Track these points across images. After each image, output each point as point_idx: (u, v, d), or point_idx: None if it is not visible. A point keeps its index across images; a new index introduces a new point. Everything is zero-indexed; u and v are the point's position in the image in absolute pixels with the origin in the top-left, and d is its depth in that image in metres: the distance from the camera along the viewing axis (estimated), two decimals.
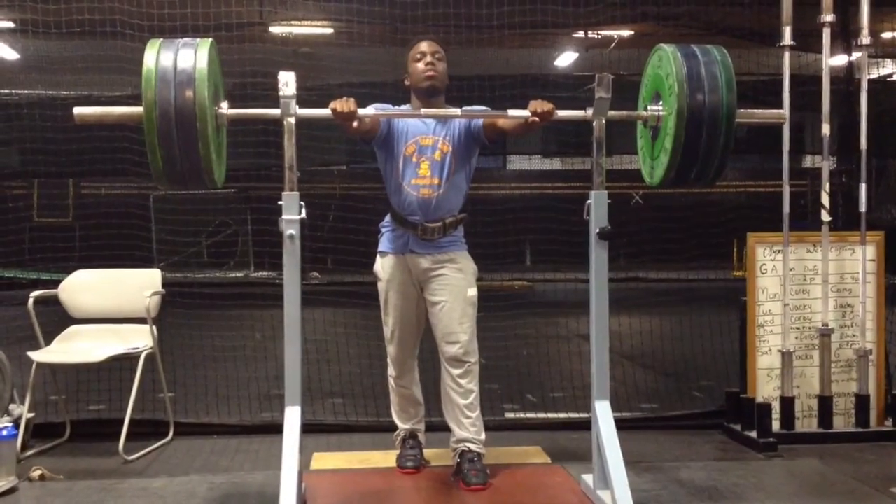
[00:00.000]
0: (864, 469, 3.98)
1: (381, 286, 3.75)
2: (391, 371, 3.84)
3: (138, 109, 2.99)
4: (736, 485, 3.68)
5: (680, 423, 4.77)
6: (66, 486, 3.72)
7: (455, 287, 3.63)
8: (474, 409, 3.65)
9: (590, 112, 3.35)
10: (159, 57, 2.97)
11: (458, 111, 3.52)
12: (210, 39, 3.09)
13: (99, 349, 4.26)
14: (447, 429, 3.73)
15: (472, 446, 3.62)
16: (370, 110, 3.45)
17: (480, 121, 3.57)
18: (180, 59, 2.97)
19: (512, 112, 3.35)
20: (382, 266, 3.73)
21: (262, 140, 6.90)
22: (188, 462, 4.17)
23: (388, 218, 3.73)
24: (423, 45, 3.62)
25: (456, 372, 3.62)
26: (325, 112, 3.25)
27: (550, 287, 8.99)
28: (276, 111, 3.20)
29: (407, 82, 3.68)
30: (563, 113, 3.37)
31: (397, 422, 3.91)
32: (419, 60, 3.59)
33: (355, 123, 3.27)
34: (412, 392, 3.85)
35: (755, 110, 3.43)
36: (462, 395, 3.63)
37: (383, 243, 3.74)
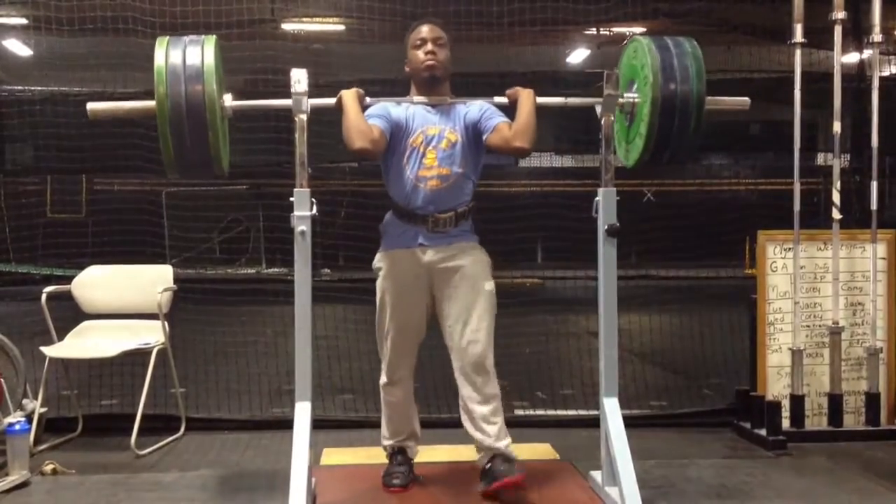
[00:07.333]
0: (874, 467, 3.98)
1: (379, 283, 3.46)
2: (382, 378, 3.52)
3: (150, 103, 3.12)
4: (745, 483, 3.69)
5: (689, 420, 4.76)
6: (78, 480, 3.75)
7: (470, 281, 3.39)
8: (498, 414, 3.39)
9: (598, 108, 3.43)
10: (168, 54, 3.10)
11: (447, 100, 3.42)
12: (214, 36, 3.22)
13: (111, 344, 4.29)
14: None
15: (506, 453, 3.38)
16: (374, 120, 3.33)
17: (488, 126, 3.39)
18: (188, 55, 3.10)
19: (497, 98, 3.42)
20: (385, 261, 3.45)
21: (273, 137, 6.92)
22: (199, 457, 4.20)
23: (389, 217, 3.47)
24: (424, 30, 3.38)
25: (479, 380, 3.35)
26: (332, 101, 3.32)
27: (561, 284, 8.97)
28: (276, 102, 3.33)
29: (407, 68, 3.45)
30: (570, 100, 3.51)
31: (384, 433, 3.59)
32: (419, 47, 3.35)
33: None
34: (404, 407, 3.55)
35: (723, 98, 3.51)
36: (482, 402, 3.36)
37: (387, 241, 3.47)
